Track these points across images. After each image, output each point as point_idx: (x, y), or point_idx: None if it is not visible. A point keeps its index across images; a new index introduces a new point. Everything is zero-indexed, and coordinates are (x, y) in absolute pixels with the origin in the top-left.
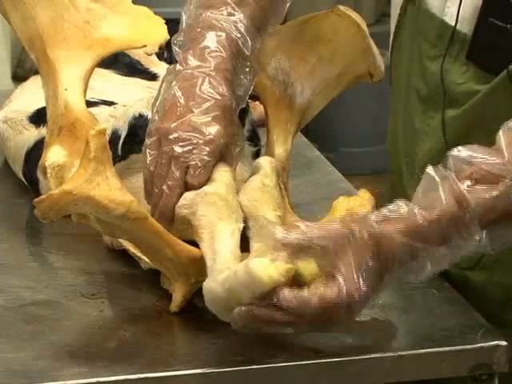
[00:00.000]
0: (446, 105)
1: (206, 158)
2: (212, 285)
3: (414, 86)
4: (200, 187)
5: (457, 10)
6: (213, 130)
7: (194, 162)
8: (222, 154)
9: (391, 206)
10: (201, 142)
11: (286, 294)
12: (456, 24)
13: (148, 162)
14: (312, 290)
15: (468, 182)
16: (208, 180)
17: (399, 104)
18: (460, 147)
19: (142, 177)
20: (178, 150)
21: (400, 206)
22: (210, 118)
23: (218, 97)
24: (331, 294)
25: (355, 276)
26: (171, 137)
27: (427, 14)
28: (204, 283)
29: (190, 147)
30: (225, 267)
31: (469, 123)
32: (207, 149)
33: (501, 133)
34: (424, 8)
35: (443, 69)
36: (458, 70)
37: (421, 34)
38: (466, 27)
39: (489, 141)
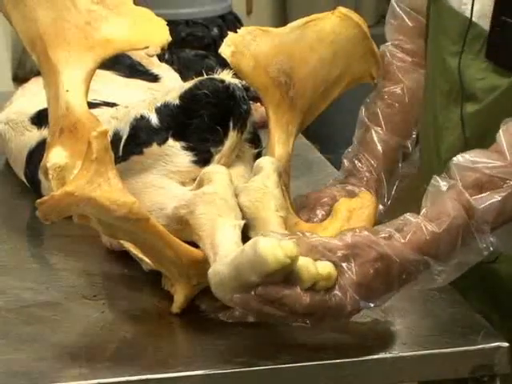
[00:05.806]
0: (464, 100)
1: None
2: (218, 267)
3: (437, 82)
4: None
5: (470, 6)
6: None
7: None
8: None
9: (399, 221)
10: None
11: (282, 289)
12: (471, 20)
13: None
14: (307, 287)
15: (474, 190)
16: None
17: (427, 100)
18: (462, 154)
19: (143, 178)
20: None
21: (408, 221)
22: None
23: None
24: (322, 299)
25: (351, 291)
26: None
27: (451, 11)
28: (210, 269)
29: None
30: (229, 253)
31: (488, 119)
32: None
33: (501, 133)
34: (446, 5)
35: (462, 64)
36: (478, 65)
37: (443, 31)
38: (487, 24)
39: None
